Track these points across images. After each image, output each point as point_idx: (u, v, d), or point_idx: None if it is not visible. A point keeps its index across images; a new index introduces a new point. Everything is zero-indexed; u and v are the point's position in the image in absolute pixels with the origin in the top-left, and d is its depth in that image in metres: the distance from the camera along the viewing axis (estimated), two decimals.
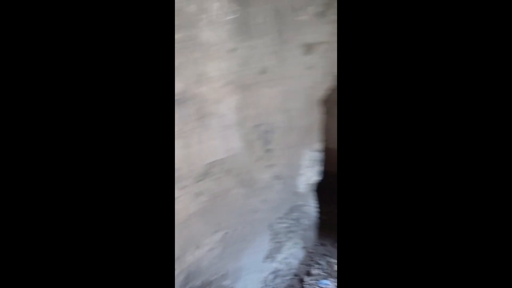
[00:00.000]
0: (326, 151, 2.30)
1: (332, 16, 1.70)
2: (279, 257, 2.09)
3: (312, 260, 2.33)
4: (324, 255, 2.37)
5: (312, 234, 2.32)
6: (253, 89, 1.62)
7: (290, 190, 2.00)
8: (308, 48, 1.72)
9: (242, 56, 1.51)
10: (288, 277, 2.18)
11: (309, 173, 2.06)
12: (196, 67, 1.39)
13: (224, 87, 1.52)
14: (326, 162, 2.34)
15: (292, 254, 2.19)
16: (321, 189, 2.28)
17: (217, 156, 1.60)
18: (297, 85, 1.76)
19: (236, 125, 1.62)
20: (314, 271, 2.23)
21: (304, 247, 2.30)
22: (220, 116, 1.55)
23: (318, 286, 2.14)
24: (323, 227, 2.40)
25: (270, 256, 2.03)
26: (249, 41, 1.51)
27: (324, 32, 1.71)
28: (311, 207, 2.18)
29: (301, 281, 2.18)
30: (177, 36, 1.23)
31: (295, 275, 2.22)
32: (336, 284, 2.11)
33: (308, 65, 1.76)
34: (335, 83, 2.04)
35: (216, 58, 1.44)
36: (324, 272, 2.23)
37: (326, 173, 2.29)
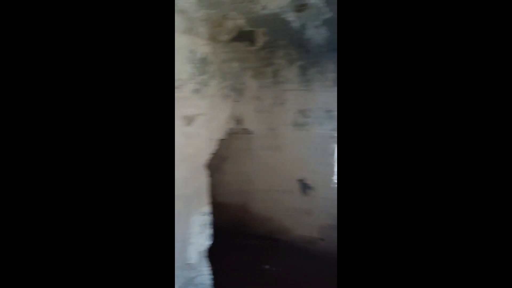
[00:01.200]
0: (217, 207, 2.34)
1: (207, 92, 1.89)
2: None
3: None
4: None
5: None
6: None
7: (180, 264, 1.86)
8: (189, 120, 1.80)
9: None
10: None
11: (200, 239, 2.03)
12: None
13: None
14: (218, 219, 2.36)
15: None
16: (215, 251, 2.25)
17: None
18: (181, 154, 1.78)
19: None
20: None
21: None
22: None
23: None
24: None
25: None
26: None
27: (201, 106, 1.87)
28: (205, 275, 2.09)
29: None
30: None
31: None
32: None
33: (190, 135, 1.83)
34: (218, 147, 2.16)
35: None
36: None
37: (219, 230, 2.30)
